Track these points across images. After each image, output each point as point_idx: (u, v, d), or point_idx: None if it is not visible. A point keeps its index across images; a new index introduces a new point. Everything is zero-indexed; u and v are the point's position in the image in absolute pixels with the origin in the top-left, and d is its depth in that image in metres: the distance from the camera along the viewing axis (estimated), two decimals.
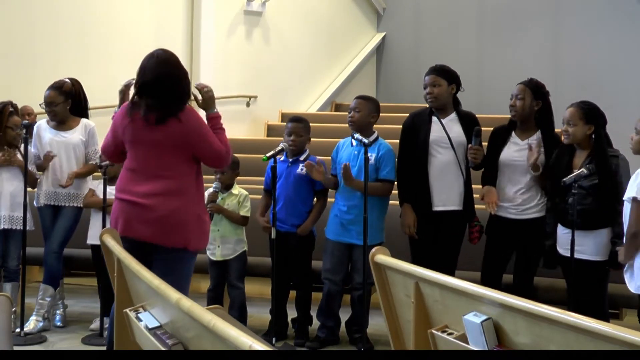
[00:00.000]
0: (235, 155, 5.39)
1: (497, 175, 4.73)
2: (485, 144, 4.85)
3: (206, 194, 5.17)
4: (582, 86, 10.19)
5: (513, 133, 4.76)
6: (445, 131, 4.79)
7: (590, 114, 4.41)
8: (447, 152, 4.79)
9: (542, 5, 11.34)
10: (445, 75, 4.86)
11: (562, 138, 4.51)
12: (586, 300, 4.35)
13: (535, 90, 4.69)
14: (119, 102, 4.38)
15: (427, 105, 4.93)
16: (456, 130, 4.82)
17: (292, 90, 11.12)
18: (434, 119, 4.84)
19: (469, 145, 4.74)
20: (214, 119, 4.02)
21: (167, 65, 3.86)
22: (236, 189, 5.25)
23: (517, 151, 4.70)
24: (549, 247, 4.58)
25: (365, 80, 12.43)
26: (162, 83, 3.80)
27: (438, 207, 4.78)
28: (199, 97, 4.05)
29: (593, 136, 4.41)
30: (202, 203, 4.00)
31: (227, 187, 5.23)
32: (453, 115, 4.88)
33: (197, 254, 4.00)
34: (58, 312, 5.46)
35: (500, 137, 4.79)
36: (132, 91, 4.04)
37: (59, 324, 5.41)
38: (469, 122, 4.86)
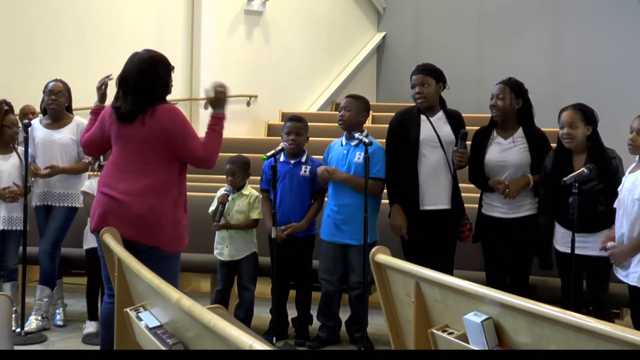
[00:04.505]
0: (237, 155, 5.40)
1: (484, 176, 4.73)
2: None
3: (218, 194, 5.17)
4: (582, 86, 10.20)
5: (495, 132, 4.76)
6: (435, 130, 4.79)
7: (589, 115, 4.41)
8: (437, 151, 4.78)
9: (542, 5, 11.34)
10: (433, 74, 4.84)
11: (563, 142, 4.47)
12: (592, 298, 4.38)
13: (516, 89, 4.70)
14: (97, 99, 4.38)
15: (414, 104, 4.92)
16: (445, 129, 4.82)
17: (292, 90, 11.13)
18: (423, 117, 4.83)
19: (455, 148, 4.73)
20: (215, 119, 4.02)
21: (140, 65, 3.91)
22: (247, 190, 5.20)
23: (501, 151, 4.70)
24: (545, 248, 4.58)
25: (366, 80, 12.44)
26: (133, 81, 3.88)
27: (428, 206, 4.77)
28: (211, 94, 4.04)
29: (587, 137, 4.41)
30: (182, 204, 3.97)
31: (238, 187, 5.20)
32: (441, 114, 4.88)
33: (180, 254, 4.01)
34: (58, 311, 5.47)
35: (483, 137, 4.79)
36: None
37: (59, 323, 5.42)
38: (457, 121, 4.86)
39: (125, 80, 3.93)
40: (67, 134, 5.35)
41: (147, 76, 3.89)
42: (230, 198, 5.11)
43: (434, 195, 4.78)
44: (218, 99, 4.03)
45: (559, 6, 11.22)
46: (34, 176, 5.29)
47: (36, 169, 5.25)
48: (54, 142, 5.33)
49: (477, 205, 4.91)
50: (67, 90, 5.40)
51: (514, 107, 4.69)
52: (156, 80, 3.92)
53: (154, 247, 3.84)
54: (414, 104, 4.91)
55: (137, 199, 3.83)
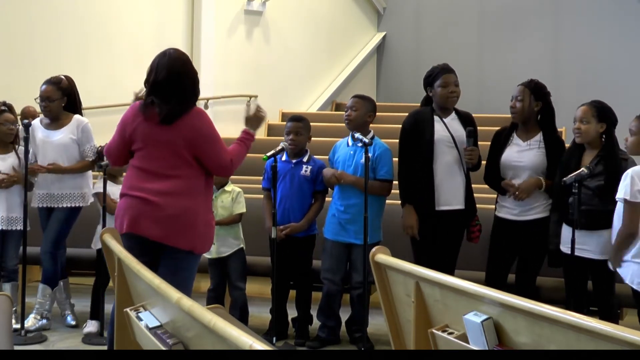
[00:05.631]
0: None
1: (499, 177, 4.73)
2: (487, 143, 4.86)
3: None
4: (582, 86, 10.20)
5: (514, 134, 4.76)
6: (449, 131, 4.79)
7: (603, 112, 4.41)
8: (451, 152, 4.78)
9: (542, 5, 11.35)
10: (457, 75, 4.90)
11: (574, 136, 4.49)
12: (598, 300, 4.40)
13: (536, 91, 4.68)
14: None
15: (422, 105, 4.96)
16: (458, 130, 4.82)
17: (292, 90, 11.13)
18: (436, 118, 4.83)
19: (464, 147, 4.74)
20: (247, 134, 4.15)
21: (178, 65, 3.86)
22: (229, 187, 5.23)
23: (518, 152, 4.70)
24: (554, 246, 4.58)
25: (366, 80, 12.44)
26: (173, 82, 3.81)
27: (443, 206, 4.77)
28: (251, 112, 4.22)
29: (603, 136, 4.41)
30: (210, 207, 4.00)
31: (221, 185, 5.22)
32: (453, 115, 4.89)
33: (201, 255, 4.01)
34: (67, 312, 5.45)
35: (501, 138, 4.79)
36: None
37: (72, 323, 5.39)
38: (469, 123, 4.86)
39: (164, 82, 3.81)
40: (67, 134, 5.30)
41: (185, 77, 3.85)
42: (213, 196, 5.13)
43: (449, 195, 4.77)
44: (256, 118, 4.22)
45: (559, 6, 11.23)
46: (33, 173, 5.27)
47: (34, 167, 5.21)
48: (53, 143, 5.29)
49: (490, 206, 4.91)
50: (61, 89, 5.28)
51: (533, 109, 4.67)
52: (192, 81, 3.90)
53: (188, 250, 3.82)
54: (421, 105, 4.94)
55: (170, 200, 3.79)
